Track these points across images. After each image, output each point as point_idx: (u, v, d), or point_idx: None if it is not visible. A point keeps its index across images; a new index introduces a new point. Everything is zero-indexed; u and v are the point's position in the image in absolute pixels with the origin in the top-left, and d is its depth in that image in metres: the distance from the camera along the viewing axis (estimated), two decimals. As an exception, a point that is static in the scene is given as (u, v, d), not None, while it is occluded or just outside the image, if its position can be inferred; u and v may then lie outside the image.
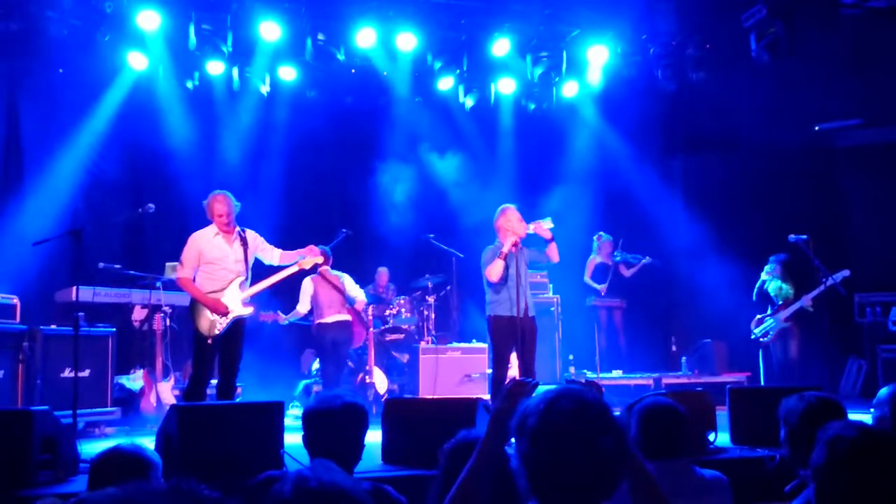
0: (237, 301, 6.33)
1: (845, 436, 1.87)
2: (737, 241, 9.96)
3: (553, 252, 6.88)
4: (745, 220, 10.49)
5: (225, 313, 6.24)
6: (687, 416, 3.23)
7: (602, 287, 10.10)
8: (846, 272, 8.24)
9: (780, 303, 8.86)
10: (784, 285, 8.90)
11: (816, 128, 10.85)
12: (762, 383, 8.87)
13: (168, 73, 9.37)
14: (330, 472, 1.64)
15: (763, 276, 9.09)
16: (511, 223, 6.85)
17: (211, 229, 6.42)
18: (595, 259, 10.27)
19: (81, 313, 6.50)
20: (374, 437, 4.46)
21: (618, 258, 10.25)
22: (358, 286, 8.66)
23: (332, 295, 8.34)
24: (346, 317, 8.38)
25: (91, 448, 5.56)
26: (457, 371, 8.93)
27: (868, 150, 10.67)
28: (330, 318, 8.27)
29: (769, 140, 10.47)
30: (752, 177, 10.79)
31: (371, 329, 9.10)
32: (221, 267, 6.35)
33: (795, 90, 10.01)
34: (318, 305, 8.32)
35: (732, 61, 9.62)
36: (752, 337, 8.98)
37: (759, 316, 8.97)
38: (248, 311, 6.42)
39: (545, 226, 6.78)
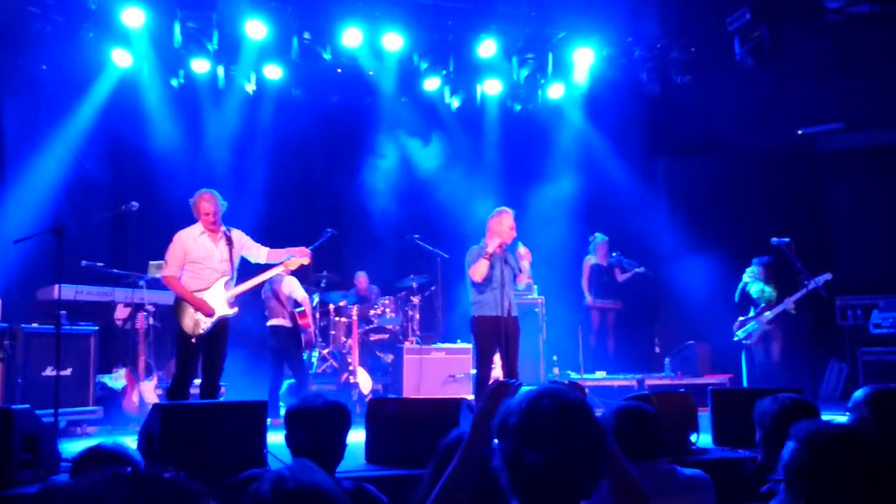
0: (222, 301, 6.30)
1: (819, 434, 1.88)
2: (720, 244, 10.02)
3: (522, 279, 7.05)
4: (728, 222, 10.56)
5: (211, 314, 6.21)
6: (659, 416, 3.26)
7: (589, 298, 10.15)
8: (828, 275, 8.28)
9: (763, 305, 8.91)
10: (767, 288, 8.94)
11: (799, 131, 10.93)
12: (744, 385, 8.91)
13: (153, 70, 9.33)
14: (309, 471, 1.64)
15: (745, 278, 9.13)
16: (502, 227, 6.89)
17: (196, 228, 6.37)
18: (590, 260, 10.31)
19: (63, 311, 6.45)
20: (357, 436, 4.46)
21: (613, 259, 10.29)
22: (296, 283, 8.33)
23: (271, 301, 8.30)
24: (282, 322, 8.22)
25: (72, 447, 5.53)
26: (441, 371, 8.93)
27: (850, 153, 10.76)
28: (269, 322, 8.24)
29: (752, 143, 10.54)
30: (735, 180, 10.86)
31: (355, 329, 9.11)
32: (206, 266, 6.31)
33: (779, 94, 10.09)
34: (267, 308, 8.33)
35: (716, 65, 9.69)
36: (735, 339, 9.01)
37: (741, 318, 9.01)
38: (232, 311, 6.38)
39: (526, 260, 6.92)
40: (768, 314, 8.79)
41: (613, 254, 10.33)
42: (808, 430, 1.88)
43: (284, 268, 6.80)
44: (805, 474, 1.81)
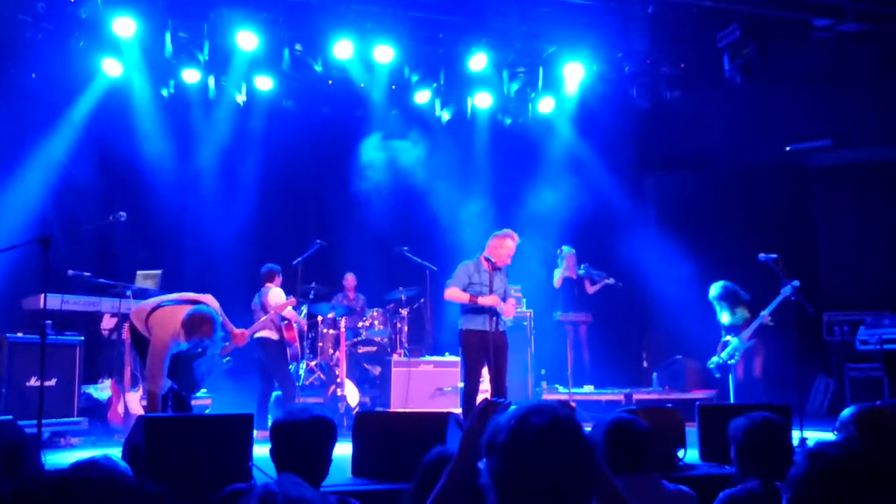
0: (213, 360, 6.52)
1: (828, 452, 1.91)
2: (708, 259, 10.03)
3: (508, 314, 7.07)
4: (717, 237, 10.58)
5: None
6: (650, 430, 3.30)
7: (560, 314, 10.11)
8: (796, 282, 8.06)
9: (740, 325, 8.75)
10: (738, 311, 8.81)
11: (787, 148, 11.00)
12: (731, 401, 8.85)
13: (143, 80, 9.31)
14: (297, 486, 1.62)
15: (723, 318, 8.94)
16: (500, 251, 6.90)
17: (179, 333, 6.07)
18: (562, 272, 10.27)
19: (49, 321, 6.41)
20: (344, 450, 4.43)
21: (582, 272, 10.26)
22: (279, 292, 8.28)
23: (259, 314, 8.27)
24: (270, 334, 8.13)
25: (56, 459, 5.48)
26: (429, 384, 8.91)
27: (838, 170, 10.85)
28: (256, 334, 8.16)
29: (741, 159, 10.60)
30: (723, 195, 10.91)
31: (343, 341, 9.08)
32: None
33: (767, 110, 10.17)
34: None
35: (706, 81, 9.74)
36: (720, 361, 8.81)
37: (723, 339, 8.87)
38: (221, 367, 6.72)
39: (509, 312, 6.96)
40: (747, 331, 8.66)
41: (582, 265, 10.29)
42: (815, 449, 1.91)
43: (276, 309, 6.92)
44: (808, 491, 1.83)
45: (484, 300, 6.71)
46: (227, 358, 6.48)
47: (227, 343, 6.49)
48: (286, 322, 8.23)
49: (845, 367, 9.68)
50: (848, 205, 10.69)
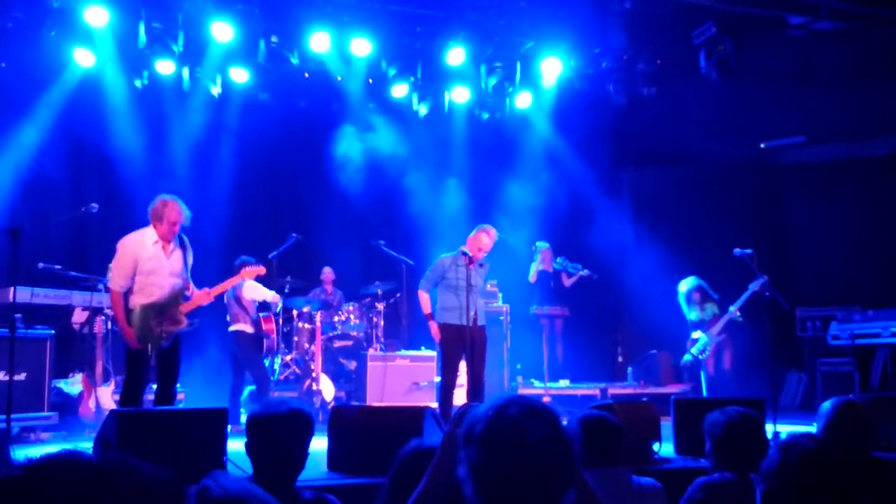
0: (175, 317, 5.94)
1: (800, 444, 1.92)
2: (683, 254, 10.09)
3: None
4: (692, 233, 10.65)
5: (135, 346, 5.82)
6: (622, 424, 3.33)
7: (536, 308, 10.13)
8: (763, 278, 8.13)
9: (709, 320, 8.81)
10: (707, 307, 8.86)
11: (762, 144, 11.09)
12: (704, 395, 8.91)
13: (116, 71, 9.19)
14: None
15: (692, 315, 9.00)
16: (475, 244, 6.95)
17: (148, 236, 5.88)
18: (538, 267, 10.28)
19: (19, 315, 6.29)
20: (320, 444, 4.40)
21: (558, 265, 10.27)
22: (260, 287, 8.07)
23: (234, 307, 8.16)
24: (245, 327, 8.01)
25: (26, 454, 5.39)
26: (405, 379, 8.89)
27: (811, 167, 10.96)
28: (231, 328, 8.05)
29: (716, 155, 10.67)
30: (698, 191, 10.98)
31: (318, 336, 9.03)
32: (153, 281, 5.90)
33: (742, 107, 10.24)
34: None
35: (682, 77, 9.80)
36: (691, 358, 8.86)
37: (693, 335, 8.91)
38: (184, 325, 6.02)
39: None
40: (717, 326, 8.72)
41: (558, 258, 10.30)
42: (788, 441, 1.91)
43: (243, 277, 6.72)
44: (782, 483, 1.83)
45: (433, 328, 6.91)
46: (194, 321, 6.20)
47: (188, 300, 6.15)
48: (266, 314, 8.17)
49: (817, 362, 9.80)
50: (821, 201, 10.79)
